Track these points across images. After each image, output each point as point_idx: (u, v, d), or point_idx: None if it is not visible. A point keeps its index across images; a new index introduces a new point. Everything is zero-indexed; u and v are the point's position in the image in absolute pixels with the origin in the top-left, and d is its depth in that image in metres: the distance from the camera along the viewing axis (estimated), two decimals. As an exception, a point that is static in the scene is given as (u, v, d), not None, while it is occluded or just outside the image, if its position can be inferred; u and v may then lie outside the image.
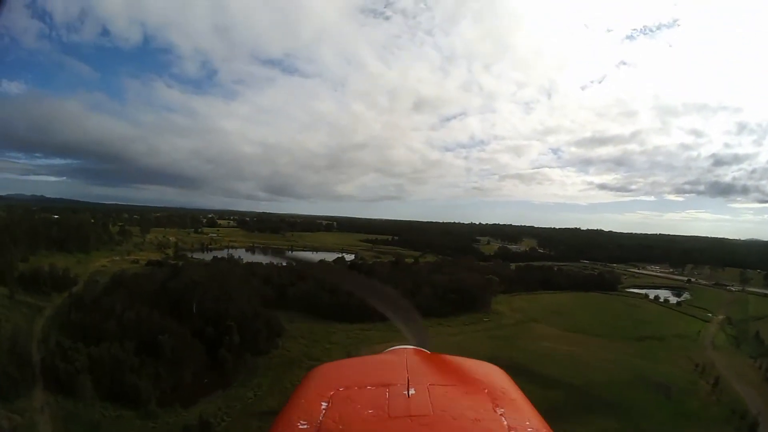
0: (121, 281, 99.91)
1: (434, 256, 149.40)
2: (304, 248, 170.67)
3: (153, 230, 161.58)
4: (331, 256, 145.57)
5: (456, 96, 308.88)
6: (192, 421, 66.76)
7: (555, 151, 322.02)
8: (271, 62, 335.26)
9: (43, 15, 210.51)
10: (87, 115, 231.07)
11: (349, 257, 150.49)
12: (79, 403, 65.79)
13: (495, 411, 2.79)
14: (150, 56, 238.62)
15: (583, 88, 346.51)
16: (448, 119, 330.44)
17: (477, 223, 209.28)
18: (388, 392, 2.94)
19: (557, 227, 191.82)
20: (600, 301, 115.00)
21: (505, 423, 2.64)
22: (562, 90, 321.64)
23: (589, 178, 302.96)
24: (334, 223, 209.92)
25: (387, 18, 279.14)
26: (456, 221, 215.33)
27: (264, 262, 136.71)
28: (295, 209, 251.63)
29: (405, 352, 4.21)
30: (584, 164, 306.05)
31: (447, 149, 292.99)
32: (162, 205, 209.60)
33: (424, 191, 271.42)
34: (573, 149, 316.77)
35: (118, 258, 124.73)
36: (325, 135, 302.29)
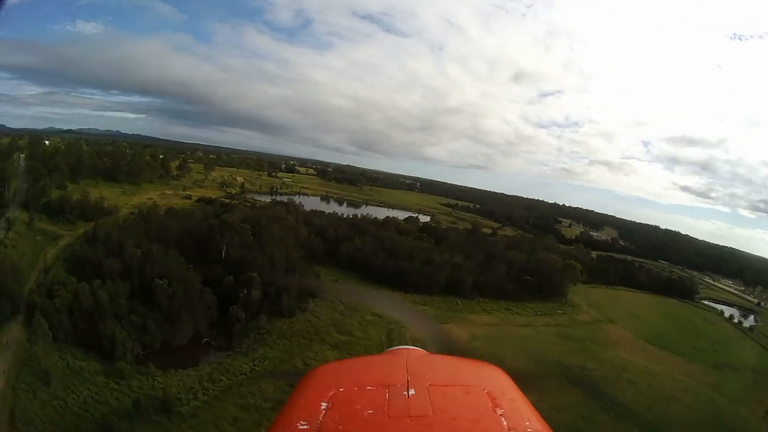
0: (148, 216, 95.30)
1: (513, 230, 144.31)
2: (380, 203, 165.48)
3: (219, 169, 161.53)
4: (405, 215, 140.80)
5: (555, 72, 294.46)
6: (158, 392, 58.32)
7: (645, 144, 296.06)
8: (369, 17, 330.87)
9: None
10: (170, 56, 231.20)
11: (425, 218, 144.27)
12: (45, 345, 61.10)
13: (495, 411, 2.87)
14: (241, 1, 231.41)
15: (677, 84, 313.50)
16: (545, 95, 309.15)
17: (561, 204, 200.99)
18: (388, 392, 3.02)
19: (636, 221, 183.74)
20: (678, 309, 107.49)
21: (505, 423, 2.73)
22: (658, 82, 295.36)
23: (674, 178, 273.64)
24: (417, 183, 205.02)
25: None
26: (540, 199, 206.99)
27: (327, 212, 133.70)
28: (380, 166, 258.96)
29: (405, 353, 4.56)
30: (671, 162, 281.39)
31: (541, 126, 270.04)
32: (245, 149, 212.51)
33: (512, 165, 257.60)
34: (663, 145, 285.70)
35: (170, 192, 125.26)
36: (419, 96, 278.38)
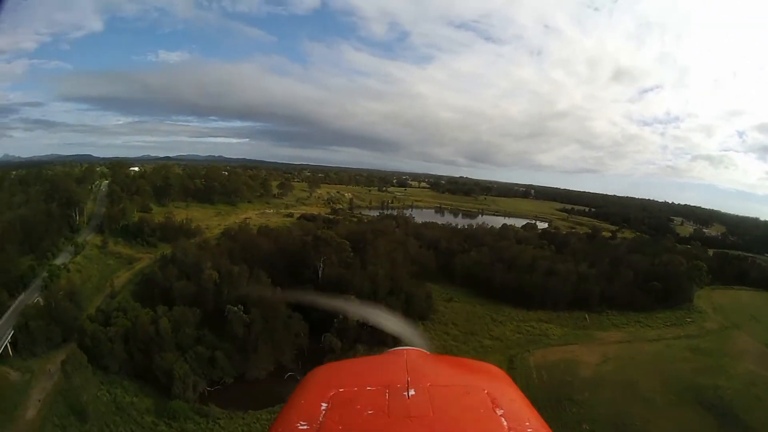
0: (236, 236, 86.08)
1: (631, 231, 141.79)
2: (496, 212, 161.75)
3: (326, 186, 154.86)
4: (522, 222, 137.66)
5: (651, 67, 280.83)
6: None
7: (740, 134, 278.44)
8: (464, 26, 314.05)
9: None
10: (267, 78, 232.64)
11: (542, 225, 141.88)
12: (97, 373, 54.16)
13: (495, 411, 2.80)
14: (331, 19, 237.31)
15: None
16: (644, 91, 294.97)
17: (671, 202, 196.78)
18: (388, 393, 2.95)
19: (739, 215, 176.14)
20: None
21: (505, 423, 2.66)
22: (750, 68, 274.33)
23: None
24: (532, 190, 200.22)
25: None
26: (650, 198, 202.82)
27: (440, 223, 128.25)
28: (493, 176, 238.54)
29: (405, 353, 4.02)
30: (763, 151, 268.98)
31: (645, 123, 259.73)
32: (355, 167, 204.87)
33: (621, 166, 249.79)
34: (755, 134, 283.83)
35: (270, 211, 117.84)
36: (526, 102, 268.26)
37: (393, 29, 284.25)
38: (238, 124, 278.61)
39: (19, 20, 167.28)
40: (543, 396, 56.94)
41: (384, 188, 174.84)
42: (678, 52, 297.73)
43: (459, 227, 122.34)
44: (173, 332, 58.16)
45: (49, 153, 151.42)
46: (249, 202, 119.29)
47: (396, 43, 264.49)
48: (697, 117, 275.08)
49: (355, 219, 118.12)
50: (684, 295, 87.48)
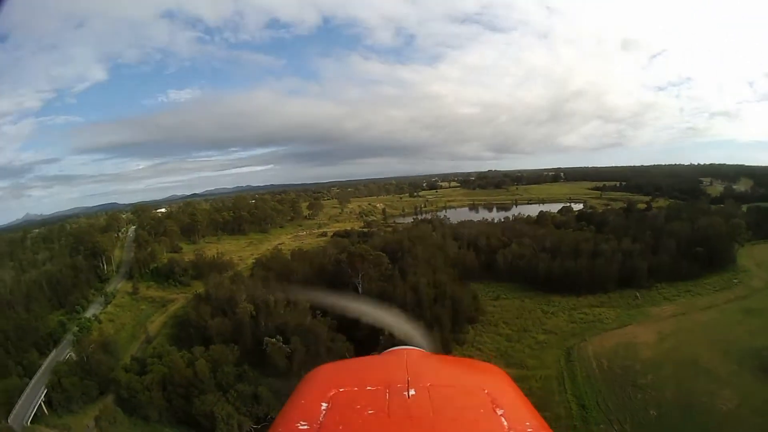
0: (269, 263, 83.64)
1: (665, 200, 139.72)
2: (529, 201, 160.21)
3: (357, 200, 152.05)
4: (557, 207, 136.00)
5: (655, 31, 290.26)
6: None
7: (751, 84, 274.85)
8: (469, 20, 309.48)
9: (195, 23, 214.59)
10: (283, 102, 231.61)
11: (577, 206, 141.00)
12: (138, 423, 52.39)
13: (495, 411, 2.81)
14: (336, 33, 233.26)
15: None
16: (653, 56, 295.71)
17: (696, 164, 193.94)
18: (389, 393, 2.95)
19: (763, 165, 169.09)
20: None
21: (505, 423, 2.67)
22: (750, 16, 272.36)
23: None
24: (561, 173, 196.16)
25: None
26: (676, 163, 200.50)
27: (476, 220, 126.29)
28: (520, 165, 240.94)
29: (405, 353, 4.15)
30: None
31: (659, 88, 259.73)
32: (384, 176, 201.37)
33: (643, 135, 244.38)
34: (765, 82, 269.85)
35: (304, 233, 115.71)
36: (541, 87, 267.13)
37: (399, 34, 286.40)
38: (260, 151, 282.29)
39: (16, 81, 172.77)
40: (607, 386, 55.24)
41: (415, 193, 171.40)
42: (677, 11, 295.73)
43: (495, 221, 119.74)
44: (212, 372, 55.25)
45: (72, 207, 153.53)
46: (281, 227, 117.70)
47: (404, 47, 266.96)
48: (707, 74, 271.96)
49: (389, 229, 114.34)
50: (727, 256, 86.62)
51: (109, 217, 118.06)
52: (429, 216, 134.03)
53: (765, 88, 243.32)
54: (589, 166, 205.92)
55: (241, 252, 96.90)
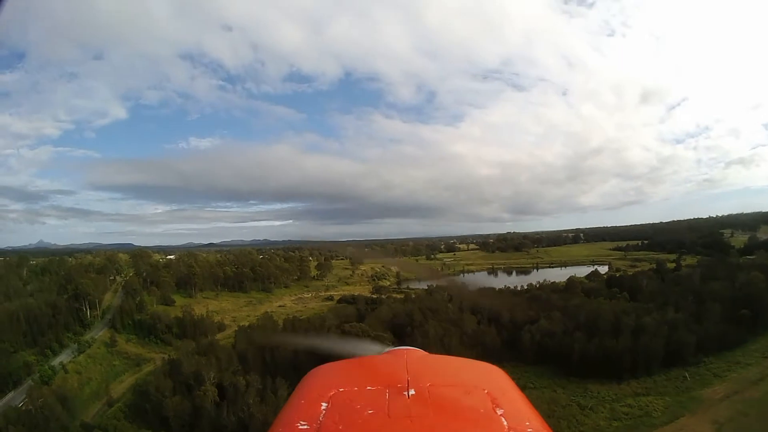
0: (252, 332, 75.88)
1: (692, 257, 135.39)
2: (551, 264, 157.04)
3: (371, 261, 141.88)
4: (581, 270, 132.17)
5: (673, 80, 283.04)
6: None
7: (766, 126, 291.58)
8: (489, 77, 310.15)
9: (217, 69, 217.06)
10: (302, 157, 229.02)
11: (602, 268, 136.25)
12: None
13: (495, 411, 2.82)
14: (357, 88, 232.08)
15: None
16: (672, 107, 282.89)
17: (714, 216, 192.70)
18: (389, 393, 2.96)
19: None
20: None
21: (505, 423, 2.68)
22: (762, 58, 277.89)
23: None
24: (581, 234, 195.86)
25: (591, 5, 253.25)
26: (695, 217, 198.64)
27: (497, 287, 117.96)
28: (539, 227, 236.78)
29: (405, 353, 4.13)
30: None
31: (677, 141, 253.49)
32: (403, 237, 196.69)
33: (661, 191, 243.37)
34: None
35: (308, 295, 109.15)
36: (561, 144, 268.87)
37: (420, 90, 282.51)
38: (279, 206, 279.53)
39: (35, 105, 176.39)
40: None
41: (432, 255, 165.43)
42: (696, 58, 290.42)
43: (518, 289, 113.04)
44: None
45: (88, 242, 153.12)
46: (285, 286, 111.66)
47: (425, 105, 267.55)
48: (723, 121, 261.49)
49: (401, 296, 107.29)
50: (769, 314, 79.23)
51: (107, 258, 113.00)
52: (444, 282, 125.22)
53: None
54: (608, 225, 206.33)
55: (237, 312, 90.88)
